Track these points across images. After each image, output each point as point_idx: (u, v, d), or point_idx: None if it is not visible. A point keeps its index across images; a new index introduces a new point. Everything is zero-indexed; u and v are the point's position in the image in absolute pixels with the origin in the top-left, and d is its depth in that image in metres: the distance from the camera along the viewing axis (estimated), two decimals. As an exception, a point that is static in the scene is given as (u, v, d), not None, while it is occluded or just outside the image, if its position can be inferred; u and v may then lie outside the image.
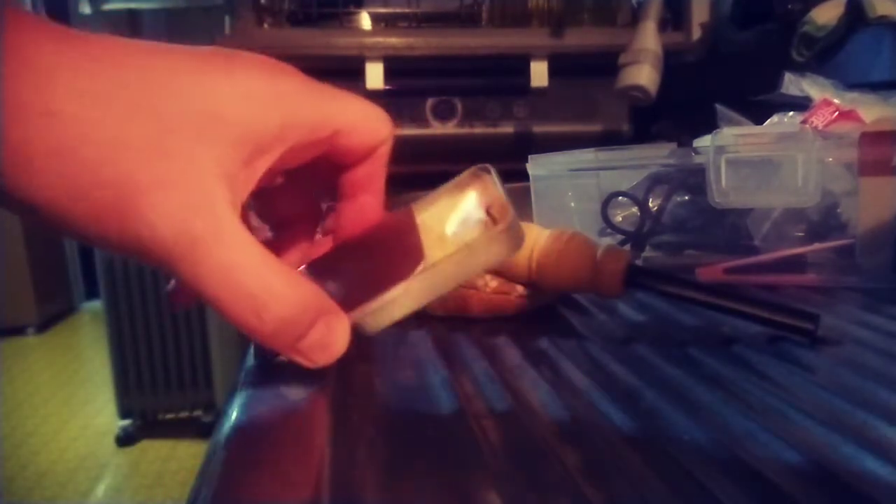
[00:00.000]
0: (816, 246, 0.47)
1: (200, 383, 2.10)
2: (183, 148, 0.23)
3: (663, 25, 0.81)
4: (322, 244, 0.32)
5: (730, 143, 0.46)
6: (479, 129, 0.88)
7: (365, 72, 0.83)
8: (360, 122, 0.28)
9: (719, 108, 0.61)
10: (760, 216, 0.49)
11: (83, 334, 3.45)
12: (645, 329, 0.37)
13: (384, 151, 0.29)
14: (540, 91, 0.86)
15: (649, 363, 0.31)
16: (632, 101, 0.79)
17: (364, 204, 0.30)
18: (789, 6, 0.71)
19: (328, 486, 0.20)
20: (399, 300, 0.28)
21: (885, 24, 0.64)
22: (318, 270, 0.30)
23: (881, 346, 0.33)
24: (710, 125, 0.55)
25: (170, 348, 2.08)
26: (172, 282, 0.29)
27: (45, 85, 0.21)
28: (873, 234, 0.43)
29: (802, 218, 0.48)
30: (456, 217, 0.31)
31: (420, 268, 0.28)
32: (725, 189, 0.46)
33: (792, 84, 0.64)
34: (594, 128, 0.91)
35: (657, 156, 0.52)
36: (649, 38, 0.76)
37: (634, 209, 0.53)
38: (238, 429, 0.25)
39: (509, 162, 0.55)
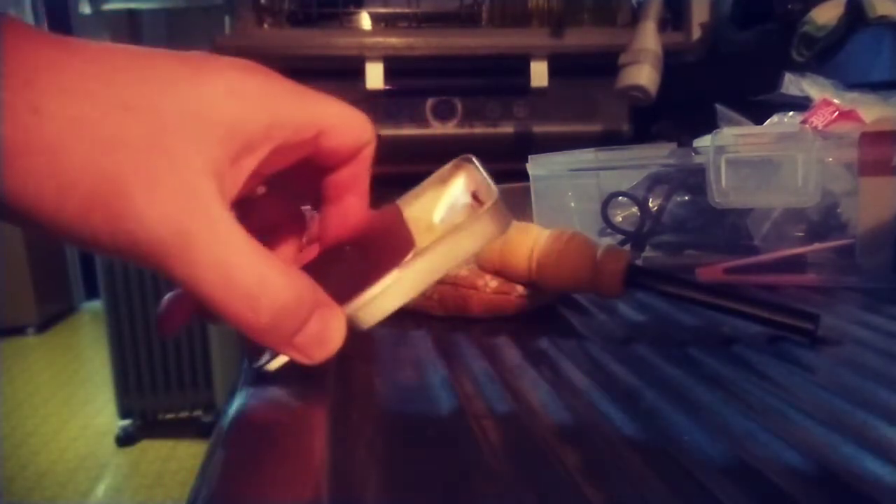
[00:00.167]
0: (816, 246, 0.47)
1: (200, 383, 2.10)
2: (171, 145, 0.23)
3: (663, 25, 0.81)
4: (308, 252, 0.32)
5: (730, 143, 0.46)
6: (479, 129, 0.88)
7: (365, 72, 0.83)
8: (343, 123, 0.28)
9: (719, 108, 0.61)
10: (760, 216, 0.49)
11: (83, 334, 3.45)
12: (645, 329, 0.37)
13: (368, 154, 0.29)
14: (540, 91, 0.86)
15: (649, 363, 0.31)
16: (632, 101, 0.79)
17: (350, 206, 0.30)
18: (789, 6, 0.71)
19: (328, 486, 0.20)
20: (392, 289, 0.28)
21: (885, 24, 0.64)
22: (308, 275, 0.30)
23: (881, 346, 0.33)
24: (710, 125, 0.55)
25: (170, 348, 2.08)
26: (162, 306, 0.29)
27: (31, 83, 0.21)
28: (873, 234, 0.43)
29: (802, 218, 0.48)
30: (443, 205, 0.31)
31: (410, 255, 0.28)
32: (725, 189, 0.46)
33: (792, 84, 0.64)
34: (594, 128, 0.91)
35: (657, 156, 0.52)
36: (649, 38, 0.76)
37: (634, 209, 0.53)
38: (238, 429, 0.25)
39: (509, 162, 0.55)
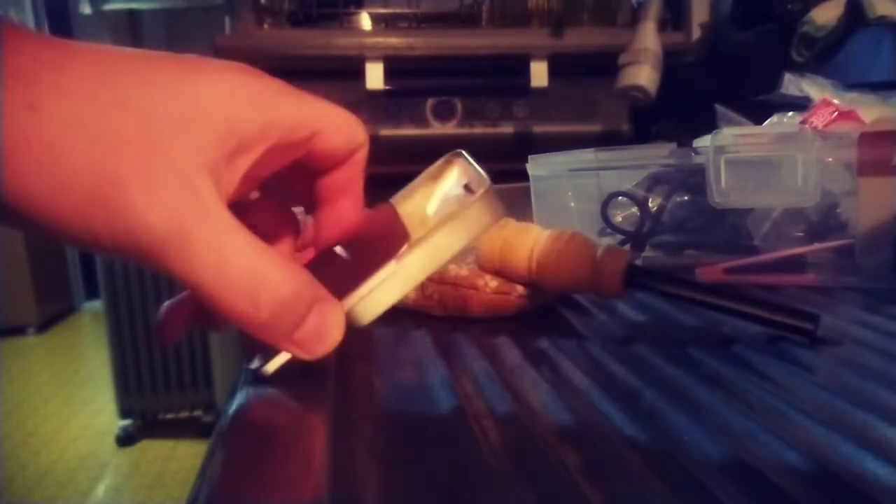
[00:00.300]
0: (816, 246, 0.47)
1: (200, 383, 2.10)
2: (169, 144, 0.23)
3: (663, 25, 0.81)
4: (303, 257, 0.32)
5: (730, 143, 0.46)
6: (479, 129, 0.88)
7: (365, 72, 0.83)
8: (336, 124, 0.28)
9: (719, 108, 0.61)
10: (760, 216, 0.49)
11: (83, 334, 3.45)
12: (645, 329, 0.37)
13: (361, 156, 0.30)
14: (540, 91, 0.86)
15: (649, 363, 0.31)
16: (632, 101, 0.79)
17: (344, 208, 0.30)
18: (789, 6, 0.71)
19: (328, 486, 0.20)
20: (389, 282, 0.28)
21: (885, 24, 0.64)
22: None
23: (881, 346, 0.33)
24: (710, 125, 0.55)
25: (170, 348, 2.08)
26: (161, 314, 0.29)
27: (29, 83, 0.21)
28: (873, 234, 0.43)
29: (802, 218, 0.48)
30: (436, 199, 0.31)
31: (405, 247, 0.28)
32: (725, 189, 0.46)
33: (792, 84, 0.64)
34: (594, 128, 0.91)
35: (657, 156, 0.53)
36: (649, 39, 0.76)
37: (634, 209, 0.53)
38: (238, 429, 0.25)
39: (509, 162, 0.55)
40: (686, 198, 0.53)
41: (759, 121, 0.58)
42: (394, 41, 0.84)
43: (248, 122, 0.25)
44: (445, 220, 0.29)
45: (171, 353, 2.08)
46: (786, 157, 0.45)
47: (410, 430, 0.25)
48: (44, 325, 3.36)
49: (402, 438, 0.24)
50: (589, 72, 0.89)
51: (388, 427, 0.25)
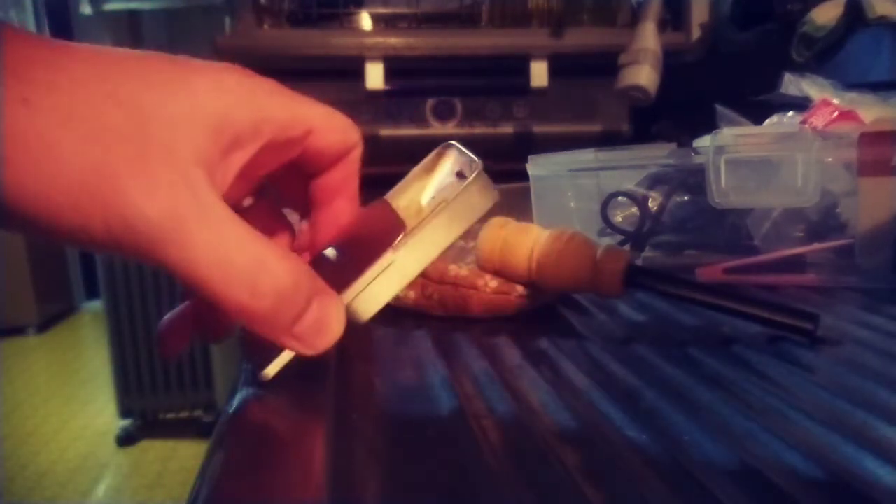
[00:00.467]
0: (816, 246, 0.47)
1: (200, 383, 2.10)
2: (162, 136, 0.23)
3: (663, 25, 0.81)
4: None
5: (730, 143, 0.46)
6: (479, 129, 0.88)
7: (365, 72, 0.83)
8: (330, 124, 0.28)
9: (719, 108, 0.61)
10: (760, 216, 0.49)
11: (83, 334, 3.45)
12: (645, 329, 0.37)
13: (356, 156, 0.29)
14: (540, 91, 0.86)
15: (649, 363, 0.31)
16: (632, 101, 0.79)
17: (339, 209, 0.30)
18: (789, 6, 0.71)
19: (328, 486, 0.20)
20: (387, 274, 0.28)
21: (885, 24, 0.64)
22: None
23: (881, 346, 0.33)
24: (710, 125, 0.55)
25: (170, 348, 2.08)
26: (162, 327, 0.29)
27: (24, 78, 0.21)
28: (873, 234, 0.43)
29: (802, 218, 0.48)
30: (430, 190, 0.31)
31: (401, 237, 0.28)
32: (725, 189, 0.46)
33: (791, 84, 0.64)
34: (594, 128, 0.91)
35: (657, 156, 0.52)
36: (649, 39, 0.76)
37: (634, 209, 0.53)
38: (238, 429, 0.25)
39: (509, 162, 0.55)
40: (686, 198, 0.53)
41: (759, 121, 0.58)
42: (394, 41, 0.84)
43: (241, 118, 0.25)
44: (438, 208, 0.28)
45: (172, 353, 2.08)
46: (786, 157, 0.45)
47: (410, 430, 0.25)
48: (44, 325, 3.36)
49: (402, 438, 0.24)
50: (589, 72, 0.89)
51: (388, 427, 0.25)
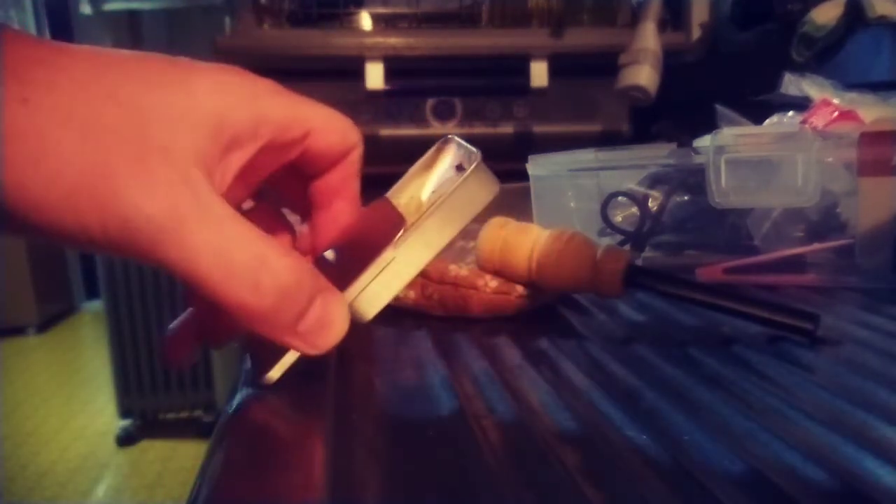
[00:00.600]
0: (816, 246, 0.47)
1: (200, 383, 2.10)
2: (160, 135, 0.22)
3: (663, 25, 0.81)
4: None
5: (730, 143, 0.46)
6: (479, 129, 0.88)
7: (365, 72, 0.83)
8: (329, 124, 0.28)
9: (719, 108, 0.61)
10: (760, 216, 0.49)
11: (83, 334, 3.45)
12: (645, 329, 0.37)
13: (356, 157, 0.29)
14: (540, 91, 0.87)
15: (649, 363, 0.31)
16: (632, 101, 0.79)
17: (340, 211, 0.30)
18: (789, 6, 0.71)
19: (328, 486, 0.20)
20: (388, 271, 0.28)
21: (885, 24, 0.64)
22: None
23: (881, 346, 0.33)
24: (710, 125, 0.55)
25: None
26: (166, 337, 0.29)
27: (23, 78, 0.21)
28: (873, 234, 0.43)
29: (802, 218, 0.48)
30: (430, 185, 0.30)
31: (401, 232, 0.28)
32: (725, 189, 0.46)
33: (791, 84, 0.64)
34: (594, 128, 0.91)
35: (657, 156, 0.52)
36: (649, 39, 0.76)
37: (634, 209, 0.53)
38: (238, 429, 0.25)
39: (509, 162, 0.55)
40: (686, 198, 0.53)
41: (759, 121, 0.58)
42: (394, 41, 0.84)
43: (240, 118, 0.24)
44: (439, 201, 0.28)
45: (172, 353, 2.08)
46: (786, 157, 0.45)
47: (410, 430, 0.25)
48: (44, 325, 3.36)
49: (402, 438, 0.24)
50: (589, 72, 0.89)
51: (388, 427, 0.25)
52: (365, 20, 0.88)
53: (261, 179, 0.29)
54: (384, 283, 0.28)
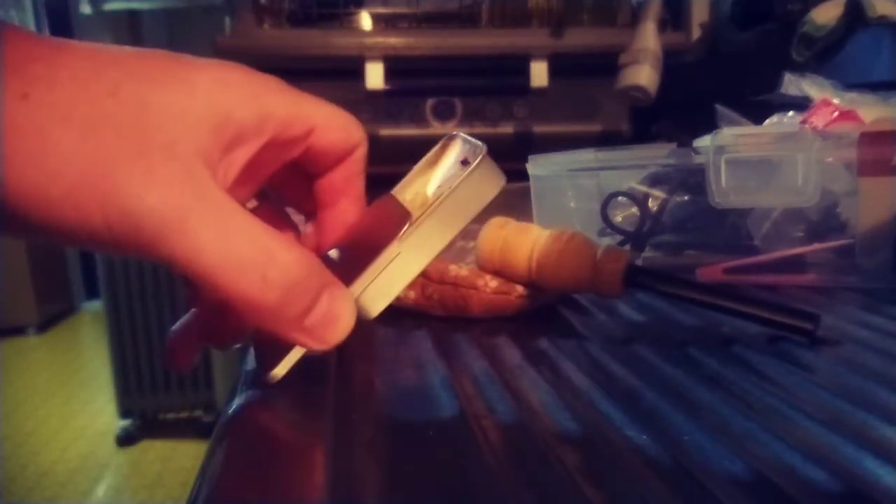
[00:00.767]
0: (816, 246, 0.47)
1: (200, 383, 2.10)
2: (162, 130, 0.22)
3: (663, 25, 0.81)
4: None
5: (730, 143, 0.46)
6: (479, 129, 0.88)
7: (365, 72, 0.83)
8: (333, 121, 0.27)
9: (719, 108, 0.61)
10: (760, 216, 0.49)
11: (83, 334, 3.45)
12: (645, 329, 0.37)
13: (360, 155, 0.29)
14: (540, 91, 0.87)
15: (649, 363, 0.31)
16: (632, 101, 0.79)
17: (344, 209, 0.30)
18: (789, 6, 0.71)
19: (328, 486, 0.20)
20: (393, 266, 0.27)
21: (885, 24, 0.64)
22: None
23: (881, 346, 0.33)
24: (710, 125, 0.55)
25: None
26: (170, 341, 0.29)
27: (23, 74, 0.21)
28: (873, 234, 0.43)
29: (802, 218, 0.48)
30: (435, 180, 0.30)
31: (406, 227, 0.27)
32: (725, 189, 0.46)
33: (792, 84, 0.64)
34: (594, 128, 0.91)
35: (657, 156, 0.52)
36: (649, 39, 0.76)
37: (634, 209, 0.53)
38: (238, 429, 0.25)
39: (509, 162, 0.55)
40: (686, 198, 0.53)
41: (759, 121, 0.58)
42: (394, 41, 0.84)
43: (243, 115, 0.24)
44: (445, 195, 0.28)
45: (171, 353, 2.08)
46: (786, 157, 0.45)
47: (410, 431, 0.25)
48: (44, 325, 3.36)
49: (402, 438, 0.24)
50: (589, 72, 0.89)
51: (388, 427, 0.25)
52: (365, 20, 0.88)
53: (265, 178, 0.28)
54: (389, 278, 0.28)
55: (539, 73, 0.86)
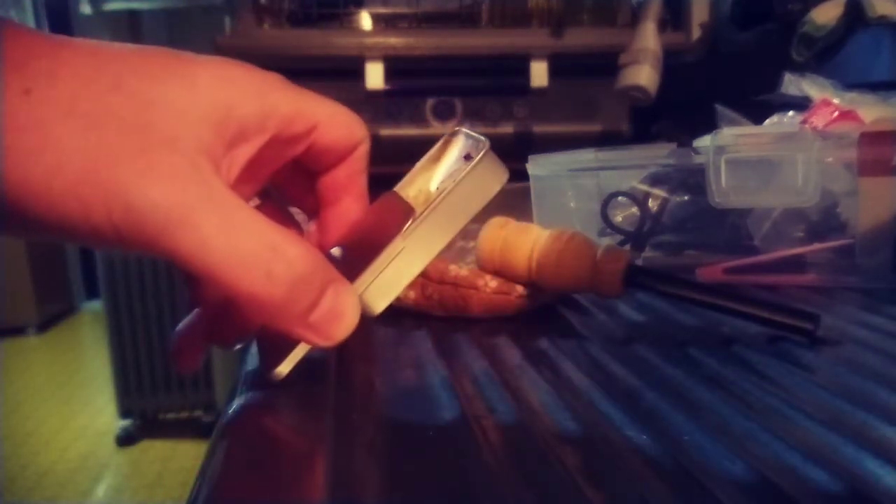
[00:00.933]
0: (816, 246, 0.47)
1: (200, 383, 2.10)
2: (165, 125, 0.22)
3: (663, 25, 0.81)
4: None
5: (730, 143, 0.46)
6: (479, 129, 0.87)
7: (365, 72, 0.83)
8: (336, 119, 0.27)
9: (719, 108, 0.61)
10: (760, 216, 0.49)
11: (83, 334, 3.45)
12: (645, 329, 0.37)
13: (363, 152, 0.29)
14: (540, 91, 0.87)
15: (649, 363, 0.31)
16: (632, 101, 0.79)
17: (347, 207, 0.30)
18: (789, 6, 0.71)
19: (328, 486, 0.20)
20: (397, 262, 0.27)
21: (885, 24, 0.64)
22: None
23: (881, 346, 0.33)
24: (710, 125, 0.55)
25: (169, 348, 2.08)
26: (175, 342, 0.29)
27: (25, 69, 0.21)
28: (873, 234, 0.43)
29: (802, 218, 0.48)
30: (438, 176, 0.30)
31: (409, 222, 0.27)
32: (725, 189, 0.46)
33: (792, 84, 0.64)
34: (594, 128, 0.91)
35: (657, 156, 0.52)
36: (649, 39, 0.76)
37: (634, 209, 0.53)
38: (238, 429, 0.25)
39: (509, 162, 0.55)
40: (686, 198, 0.53)
41: (759, 121, 0.58)
42: (394, 41, 0.84)
43: (246, 111, 0.24)
44: (447, 190, 0.28)
45: (171, 353, 2.08)
46: (786, 157, 0.45)
47: (410, 431, 0.25)
48: (44, 325, 3.36)
49: (402, 438, 0.24)
50: (589, 72, 0.89)
51: (388, 427, 0.25)
52: (365, 20, 0.88)
53: (267, 176, 0.28)
54: (393, 274, 0.28)
55: (539, 73, 0.86)
